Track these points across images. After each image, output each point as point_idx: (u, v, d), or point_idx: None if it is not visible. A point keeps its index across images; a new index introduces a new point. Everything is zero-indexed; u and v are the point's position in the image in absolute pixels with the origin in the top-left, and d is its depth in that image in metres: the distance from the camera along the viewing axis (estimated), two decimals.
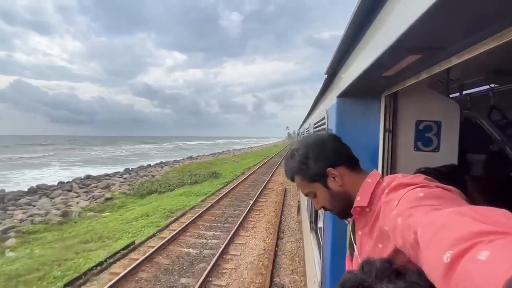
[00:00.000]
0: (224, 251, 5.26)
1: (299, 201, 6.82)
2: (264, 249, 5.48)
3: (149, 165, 24.82)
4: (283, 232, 6.45)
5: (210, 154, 38.92)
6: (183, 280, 4.40)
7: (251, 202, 8.73)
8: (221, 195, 9.98)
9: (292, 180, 0.85)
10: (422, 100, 1.21)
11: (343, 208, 0.78)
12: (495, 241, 0.30)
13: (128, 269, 4.52)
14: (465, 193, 0.57)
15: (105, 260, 5.03)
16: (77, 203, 11.08)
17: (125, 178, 16.90)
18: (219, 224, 7.08)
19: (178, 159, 31.65)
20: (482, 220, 0.34)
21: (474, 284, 0.28)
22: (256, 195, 9.82)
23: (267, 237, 6.15)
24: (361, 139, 1.25)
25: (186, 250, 5.53)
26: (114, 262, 5.05)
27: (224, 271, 4.65)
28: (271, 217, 7.52)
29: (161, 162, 27.61)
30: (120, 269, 4.72)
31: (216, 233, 6.44)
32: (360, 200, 0.72)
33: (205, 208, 8.20)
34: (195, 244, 5.82)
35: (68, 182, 15.82)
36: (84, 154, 53.50)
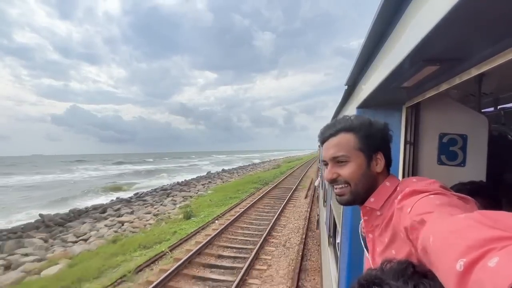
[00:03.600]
0: (306, 173, 43.98)
1: (318, 215, 7.21)
2: (314, 171, 44.15)
3: (269, 160, 65.08)
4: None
5: (282, 158, 78.59)
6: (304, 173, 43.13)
7: (313, 163, 47.38)
8: (306, 161, 48.76)
9: (333, 134, 0.75)
10: (447, 113, 1.17)
11: (359, 192, 0.73)
12: (507, 247, 0.29)
13: (286, 175, 43.63)
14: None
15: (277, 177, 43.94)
16: (259, 166, 50.70)
17: (274, 161, 56.60)
18: (307, 165, 46.12)
19: (271, 158, 71.48)
20: (494, 225, 0.35)
21: None
22: (312, 163, 48.46)
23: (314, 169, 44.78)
24: None
25: (297, 174, 44.38)
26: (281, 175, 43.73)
27: (309, 169, 43.49)
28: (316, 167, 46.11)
29: (270, 160, 66.60)
30: (283, 175, 43.88)
31: (306, 167, 44.55)
32: (373, 202, 0.71)
33: (304, 163, 46.50)
34: (301, 169, 43.24)
35: (252, 163, 55.63)
36: (205, 161, 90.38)
